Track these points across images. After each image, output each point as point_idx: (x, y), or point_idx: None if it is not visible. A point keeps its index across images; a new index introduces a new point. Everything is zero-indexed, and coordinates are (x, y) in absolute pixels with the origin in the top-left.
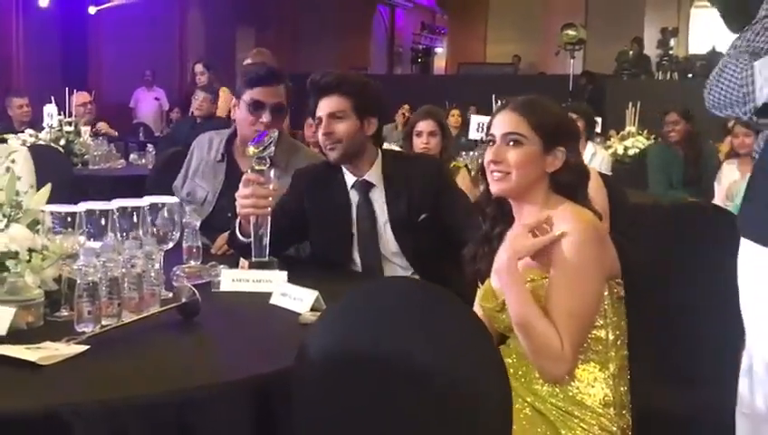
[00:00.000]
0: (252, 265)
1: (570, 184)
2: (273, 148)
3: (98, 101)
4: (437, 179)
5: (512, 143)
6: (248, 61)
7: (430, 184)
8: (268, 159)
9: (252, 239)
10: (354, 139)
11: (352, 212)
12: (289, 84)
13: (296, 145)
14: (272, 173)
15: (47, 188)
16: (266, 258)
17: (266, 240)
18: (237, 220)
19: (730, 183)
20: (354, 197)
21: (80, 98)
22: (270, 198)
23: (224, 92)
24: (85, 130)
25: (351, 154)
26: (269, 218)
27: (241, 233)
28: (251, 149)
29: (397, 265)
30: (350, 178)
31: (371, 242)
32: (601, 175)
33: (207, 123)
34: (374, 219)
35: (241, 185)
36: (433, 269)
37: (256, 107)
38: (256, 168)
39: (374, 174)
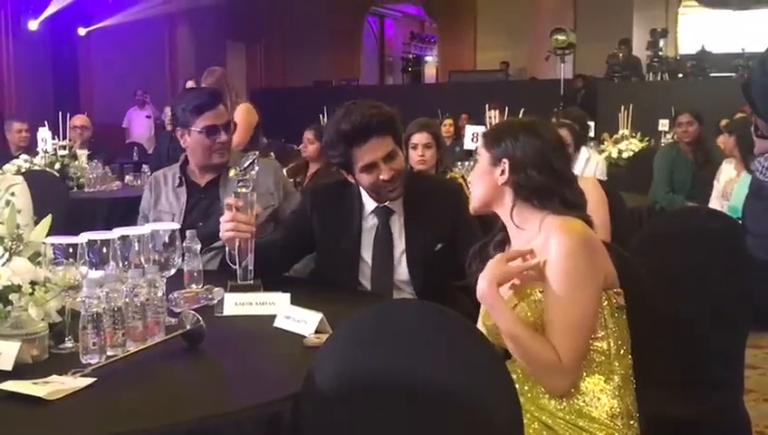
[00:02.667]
0: (234, 289)
1: (533, 195)
2: (255, 169)
3: (90, 121)
4: (456, 211)
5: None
6: (207, 80)
7: (449, 215)
8: (251, 182)
9: (236, 263)
10: (403, 173)
11: (362, 238)
12: (225, 101)
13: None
14: (254, 196)
15: (47, 220)
16: (250, 281)
17: (251, 265)
18: (227, 249)
19: (726, 181)
20: (372, 222)
21: (77, 120)
22: (251, 223)
23: (243, 111)
24: (81, 153)
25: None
26: (252, 243)
27: (230, 260)
28: (232, 172)
29: (407, 294)
30: (369, 204)
31: (386, 270)
32: (600, 181)
33: None
34: (392, 247)
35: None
36: (440, 298)
37: (211, 131)
38: (239, 191)
39: (396, 201)
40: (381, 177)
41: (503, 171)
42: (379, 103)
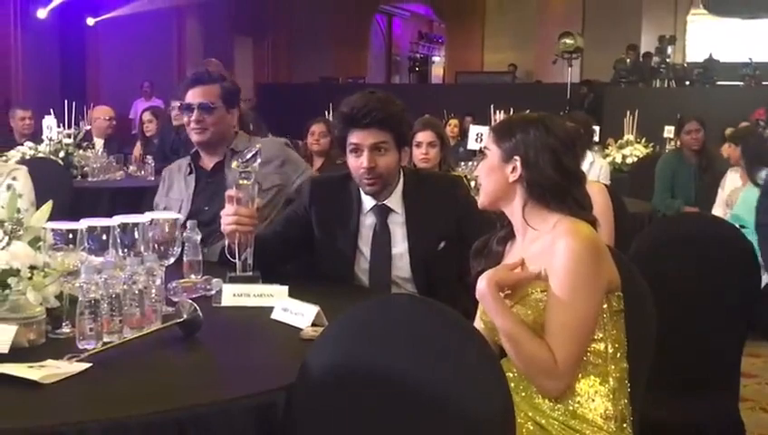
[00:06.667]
0: (233, 280)
1: (546, 194)
2: (258, 161)
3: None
4: (460, 206)
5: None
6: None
7: (452, 210)
8: (253, 174)
9: (236, 256)
10: (392, 172)
11: (361, 233)
12: (225, 85)
13: (252, 137)
14: (256, 189)
15: (48, 206)
16: (249, 273)
17: (250, 258)
18: (226, 241)
19: (731, 190)
20: (370, 220)
21: (103, 112)
22: (253, 217)
23: None
24: (98, 142)
25: (386, 187)
26: (252, 236)
27: (230, 253)
28: (234, 164)
29: (406, 291)
30: (368, 201)
31: (384, 268)
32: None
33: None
34: (389, 247)
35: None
36: (442, 295)
37: (186, 109)
38: (241, 182)
39: (395, 199)
40: (362, 163)
41: (514, 168)
42: (393, 101)
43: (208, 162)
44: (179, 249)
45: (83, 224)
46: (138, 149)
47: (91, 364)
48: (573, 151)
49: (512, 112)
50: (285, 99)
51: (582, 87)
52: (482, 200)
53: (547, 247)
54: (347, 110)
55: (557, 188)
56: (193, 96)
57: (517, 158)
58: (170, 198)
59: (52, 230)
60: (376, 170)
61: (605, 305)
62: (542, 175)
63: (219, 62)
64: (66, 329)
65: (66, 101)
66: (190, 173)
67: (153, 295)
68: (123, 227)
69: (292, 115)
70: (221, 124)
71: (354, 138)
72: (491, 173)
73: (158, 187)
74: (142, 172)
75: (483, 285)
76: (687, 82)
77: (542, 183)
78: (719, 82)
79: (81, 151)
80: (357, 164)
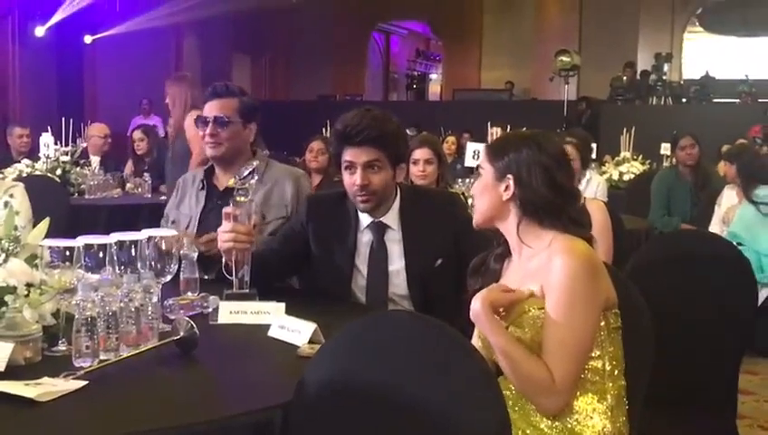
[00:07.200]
0: (229, 297)
1: (540, 212)
2: (255, 178)
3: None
4: (457, 223)
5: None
6: (172, 87)
7: (450, 227)
8: (250, 192)
9: (233, 273)
10: (387, 189)
11: (358, 251)
12: (243, 99)
13: (269, 160)
14: (252, 206)
15: (45, 223)
16: (246, 291)
17: (247, 275)
18: (223, 259)
19: (728, 207)
20: (367, 237)
21: (98, 130)
22: (250, 234)
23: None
24: (94, 160)
25: (381, 204)
26: (249, 253)
27: (227, 271)
28: (231, 181)
29: (403, 308)
30: (365, 218)
31: (381, 285)
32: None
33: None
34: (386, 264)
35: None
36: (438, 312)
37: (202, 122)
38: (238, 199)
39: (391, 216)
40: (356, 181)
41: (507, 187)
42: (389, 119)
43: (222, 180)
44: (176, 267)
45: (80, 241)
46: (129, 168)
47: (87, 382)
48: (567, 169)
49: (508, 129)
50: (283, 116)
51: (581, 103)
52: (476, 219)
53: (543, 265)
54: (341, 127)
55: (551, 206)
56: (209, 109)
57: (510, 176)
58: (180, 212)
59: (49, 247)
60: (369, 188)
61: (602, 323)
62: (535, 193)
63: (191, 76)
64: (62, 347)
65: (63, 119)
66: (202, 189)
67: (150, 313)
68: (120, 244)
69: (290, 132)
70: (236, 139)
71: (348, 155)
72: (485, 192)
73: (163, 201)
74: (139, 190)
75: (477, 305)
76: (684, 100)
77: (535, 201)
78: (716, 100)
79: (78, 169)
80: (351, 181)
